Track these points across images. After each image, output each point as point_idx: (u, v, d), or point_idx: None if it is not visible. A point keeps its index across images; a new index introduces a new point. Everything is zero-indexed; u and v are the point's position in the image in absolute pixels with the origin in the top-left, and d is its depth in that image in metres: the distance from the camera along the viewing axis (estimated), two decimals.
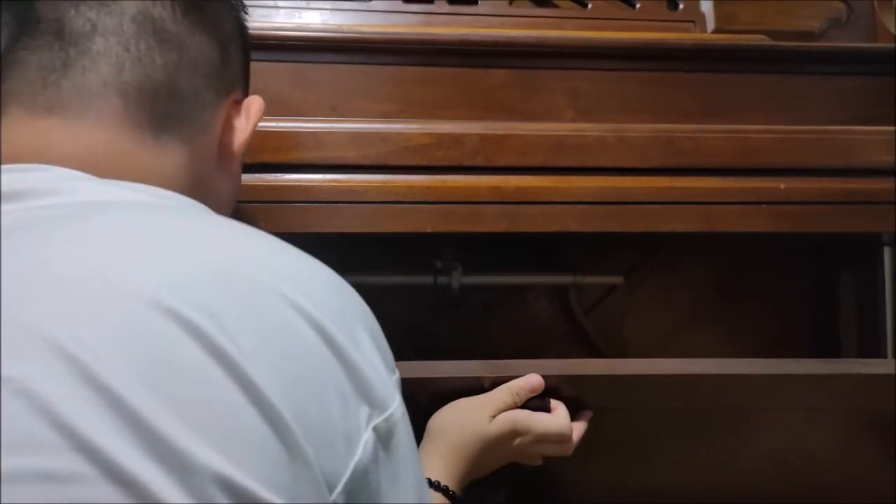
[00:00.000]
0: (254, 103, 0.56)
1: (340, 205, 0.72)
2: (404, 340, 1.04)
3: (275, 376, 0.35)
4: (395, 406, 0.41)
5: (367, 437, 0.38)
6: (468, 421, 0.69)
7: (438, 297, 1.02)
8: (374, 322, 0.44)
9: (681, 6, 0.92)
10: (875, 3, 0.97)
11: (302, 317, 0.37)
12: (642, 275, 1.10)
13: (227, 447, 0.32)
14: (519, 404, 0.71)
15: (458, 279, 0.96)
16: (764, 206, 0.77)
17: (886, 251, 1.09)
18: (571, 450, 0.72)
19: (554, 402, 0.73)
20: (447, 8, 0.88)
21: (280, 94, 0.78)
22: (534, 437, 0.70)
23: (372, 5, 0.87)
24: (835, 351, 1.09)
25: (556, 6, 0.91)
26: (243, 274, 0.38)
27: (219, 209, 0.53)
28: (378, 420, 0.39)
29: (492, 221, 0.74)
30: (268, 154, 0.72)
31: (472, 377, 0.73)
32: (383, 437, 0.39)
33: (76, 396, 0.31)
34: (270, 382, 0.34)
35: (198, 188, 0.51)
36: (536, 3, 0.92)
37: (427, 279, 0.97)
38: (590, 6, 0.91)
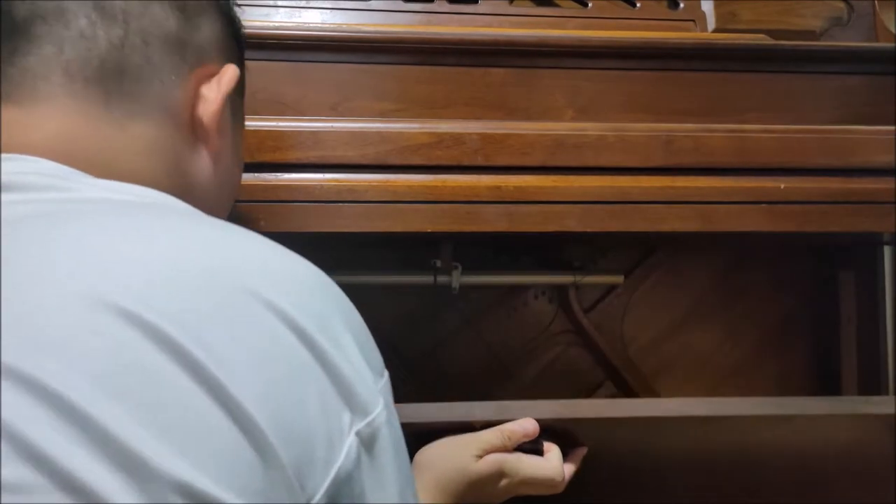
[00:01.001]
0: (227, 71, 0.53)
1: (340, 204, 0.72)
2: (404, 340, 1.04)
3: (246, 378, 0.34)
4: (379, 410, 0.40)
5: (350, 442, 0.37)
6: (453, 457, 0.68)
7: (438, 296, 1.02)
8: (360, 323, 0.43)
9: (681, 5, 0.92)
10: (876, 2, 0.96)
11: (277, 316, 0.36)
12: (642, 274, 1.10)
13: (191, 452, 0.31)
14: (511, 448, 0.69)
15: (458, 279, 0.96)
16: (764, 205, 0.77)
17: (886, 250, 1.09)
18: (562, 489, 0.71)
19: (547, 445, 0.72)
20: (447, 7, 0.88)
21: (280, 93, 0.78)
22: (521, 480, 0.69)
23: (372, 4, 0.87)
24: (834, 351, 1.09)
25: (556, 5, 0.91)
26: (212, 272, 0.36)
27: (205, 196, 0.52)
28: (361, 425, 0.38)
29: (491, 221, 0.74)
30: (267, 153, 0.72)
31: (463, 422, 0.71)
32: (367, 442, 0.38)
33: (23, 404, 0.30)
34: (241, 385, 0.33)
35: (176, 170, 0.49)
36: (537, 3, 0.91)
37: (427, 279, 0.97)
38: (590, 5, 0.91)
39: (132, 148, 0.47)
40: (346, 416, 0.38)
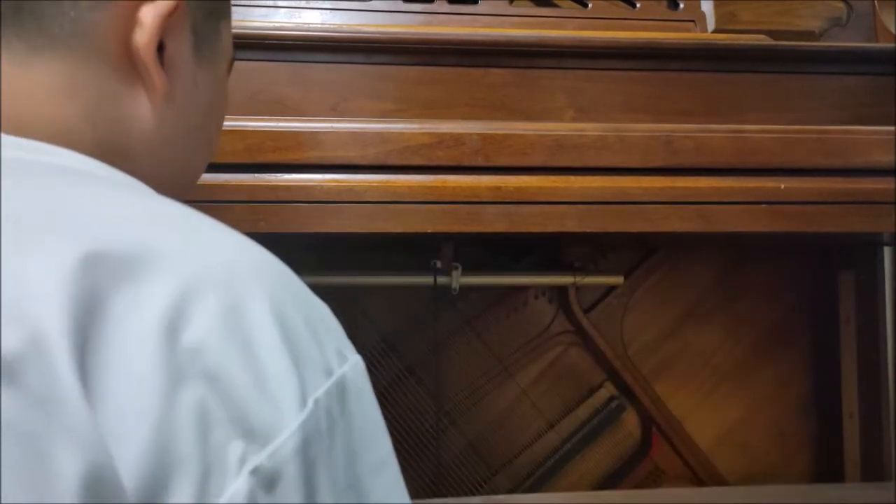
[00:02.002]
0: None
1: (340, 205, 0.72)
2: (404, 340, 1.04)
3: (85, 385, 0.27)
4: (287, 436, 0.29)
5: (238, 484, 0.28)
6: None
7: (438, 296, 1.02)
8: (296, 309, 0.33)
9: (681, 6, 0.92)
10: (875, 2, 0.97)
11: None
12: (642, 274, 1.10)
13: None
14: None
15: (458, 279, 0.96)
16: (763, 205, 0.77)
17: (886, 251, 1.09)
18: None
19: None
20: (447, 7, 0.88)
21: (280, 94, 0.78)
22: None
23: (372, 5, 0.87)
24: (833, 350, 1.09)
25: (556, 6, 0.91)
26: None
27: (148, 156, 0.42)
28: (258, 459, 0.28)
29: (492, 221, 0.74)
30: (267, 154, 0.71)
31: None
32: (266, 482, 0.28)
33: None
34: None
35: (101, 117, 0.40)
36: (537, 3, 0.92)
37: (427, 279, 0.97)
38: (590, 6, 0.91)
39: (38, 90, 0.38)
40: (237, 448, 0.28)
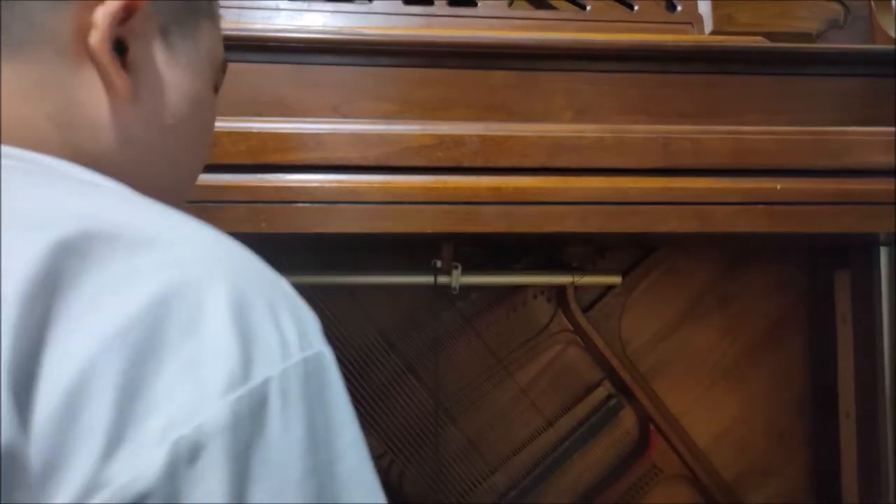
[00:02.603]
0: None
1: (342, 205, 0.72)
2: (404, 340, 1.05)
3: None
4: (215, 411, 0.29)
5: (156, 454, 0.28)
6: None
7: (438, 296, 1.03)
8: (259, 294, 0.32)
9: (679, 8, 0.93)
10: (872, 4, 0.97)
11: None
12: (640, 274, 1.10)
13: None
14: None
15: (458, 279, 0.97)
16: (761, 206, 0.78)
17: (883, 250, 1.09)
18: None
19: None
20: (447, 10, 0.89)
21: (282, 96, 0.78)
22: None
23: (372, 7, 0.88)
24: (830, 350, 1.10)
25: (555, 8, 0.92)
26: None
27: (116, 157, 0.42)
28: (181, 431, 0.28)
29: (491, 222, 0.74)
30: (269, 155, 0.72)
31: None
32: (188, 454, 0.28)
33: None
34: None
35: (65, 117, 0.40)
36: (536, 5, 0.92)
37: (427, 279, 0.97)
38: (588, 8, 0.91)
39: (7, 92, 0.39)
40: (160, 418, 0.28)
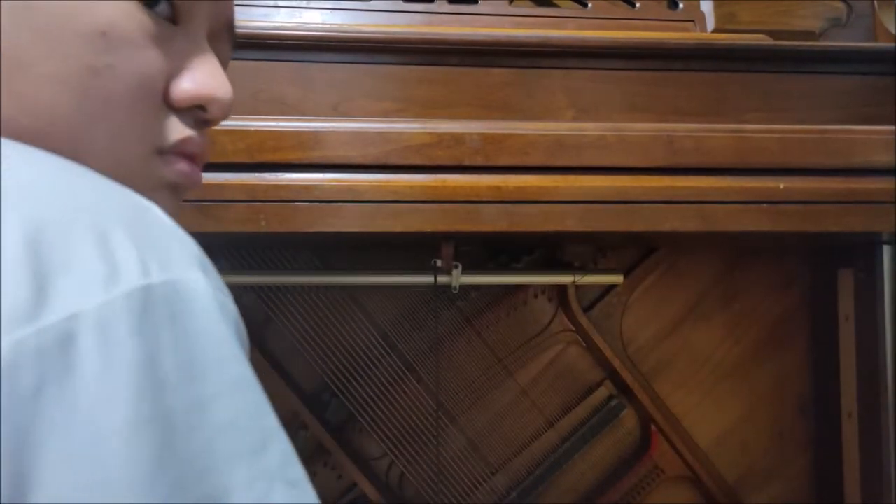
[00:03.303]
0: None
1: (341, 204, 0.72)
2: (404, 340, 1.05)
3: None
4: (89, 301, 0.26)
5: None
6: None
7: (438, 295, 1.02)
8: (79, 215, 0.28)
9: (681, 6, 0.92)
10: (875, 2, 0.97)
11: None
12: (641, 273, 1.10)
13: None
14: None
15: (458, 279, 0.96)
16: (763, 205, 0.77)
17: (885, 249, 1.09)
18: None
19: None
20: (448, 7, 0.88)
21: (281, 94, 0.78)
22: None
23: (372, 4, 0.87)
24: (833, 349, 1.09)
25: (556, 6, 0.92)
26: None
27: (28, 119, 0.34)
28: (40, 324, 0.25)
29: (492, 221, 0.74)
30: (268, 153, 0.72)
31: None
32: (59, 347, 0.25)
33: None
34: None
35: None
36: (537, 3, 0.92)
37: (427, 279, 0.97)
38: (590, 6, 0.91)
39: None
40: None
